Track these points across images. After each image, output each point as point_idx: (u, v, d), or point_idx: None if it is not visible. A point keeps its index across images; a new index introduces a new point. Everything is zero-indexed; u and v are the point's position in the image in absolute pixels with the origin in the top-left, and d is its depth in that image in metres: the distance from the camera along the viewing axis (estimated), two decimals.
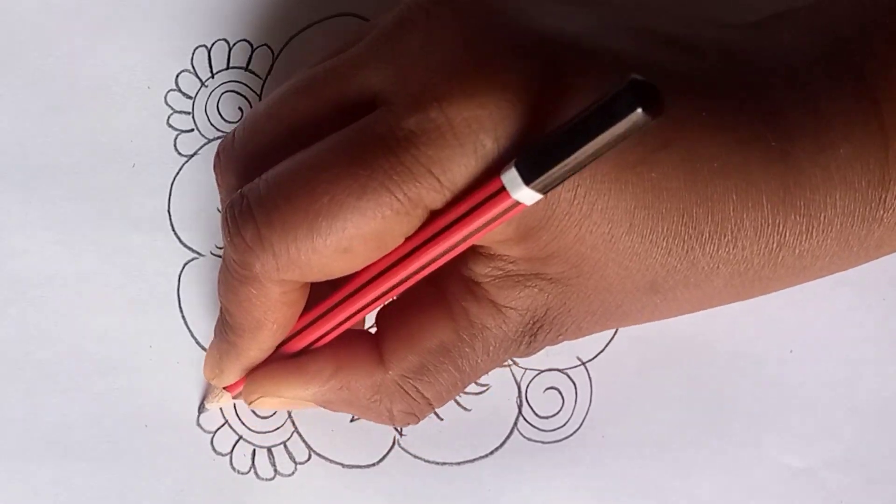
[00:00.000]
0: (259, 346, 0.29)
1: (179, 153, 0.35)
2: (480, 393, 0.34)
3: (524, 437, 0.34)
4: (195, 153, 0.35)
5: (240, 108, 0.35)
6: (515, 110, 0.24)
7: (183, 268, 0.34)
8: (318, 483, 0.33)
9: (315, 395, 0.29)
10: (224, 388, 0.32)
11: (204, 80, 0.35)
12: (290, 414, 0.33)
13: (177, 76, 0.35)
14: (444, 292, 0.29)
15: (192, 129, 0.35)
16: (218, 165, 0.29)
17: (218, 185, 0.30)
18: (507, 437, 0.34)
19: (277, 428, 0.34)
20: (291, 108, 0.28)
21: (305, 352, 0.30)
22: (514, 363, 0.34)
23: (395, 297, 0.29)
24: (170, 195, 0.34)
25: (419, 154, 0.24)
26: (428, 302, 0.29)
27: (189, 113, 0.35)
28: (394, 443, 0.34)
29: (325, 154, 0.25)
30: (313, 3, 0.35)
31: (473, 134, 0.24)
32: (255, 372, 0.30)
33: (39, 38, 0.35)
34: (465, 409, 0.34)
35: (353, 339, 0.30)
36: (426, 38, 0.26)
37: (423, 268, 0.26)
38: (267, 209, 0.25)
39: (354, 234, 0.25)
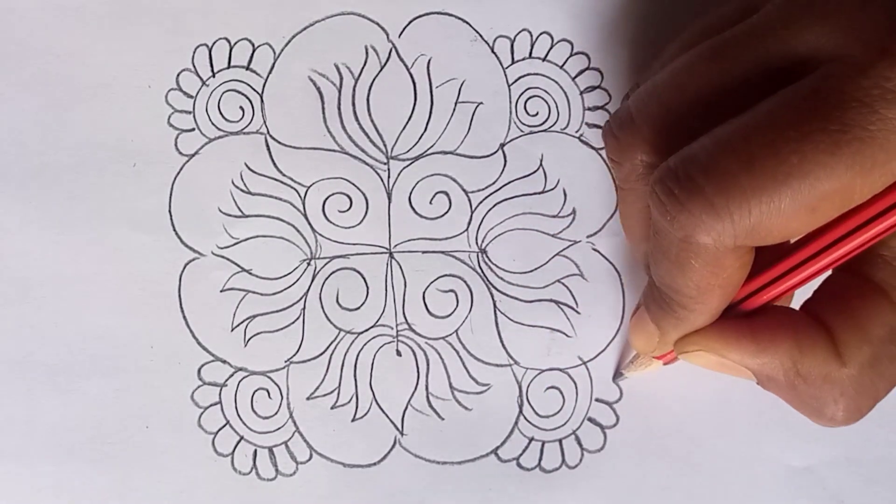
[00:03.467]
0: (709, 313, 0.28)
1: (180, 152, 0.35)
2: (482, 392, 0.34)
3: (525, 436, 0.34)
4: (196, 153, 0.35)
5: (241, 108, 0.35)
6: None
7: (184, 268, 0.34)
8: (319, 483, 0.33)
9: (762, 366, 0.28)
10: (655, 357, 0.31)
11: (205, 79, 0.35)
12: (291, 414, 0.33)
13: (178, 75, 0.35)
14: (869, 279, 0.28)
15: (193, 129, 0.35)
16: (616, 145, 0.29)
17: (614, 163, 0.29)
18: (508, 436, 0.34)
19: (279, 428, 0.34)
20: (703, 77, 0.27)
21: (755, 313, 0.29)
22: (516, 363, 0.34)
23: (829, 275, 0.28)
24: (171, 195, 0.34)
25: None
26: (860, 290, 0.28)
27: (190, 112, 0.35)
28: (395, 442, 0.33)
29: (783, 114, 0.25)
30: (315, 2, 0.35)
31: None
32: (703, 329, 0.29)
33: (39, 38, 0.35)
34: (466, 408, 0.34)
35: (797, 317, 0.29)
36: None
37: (889, 229, 0.26)
38: (719, 176, 0.25)
39: (824, 193, 0.24)
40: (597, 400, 0.34)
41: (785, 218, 0.25)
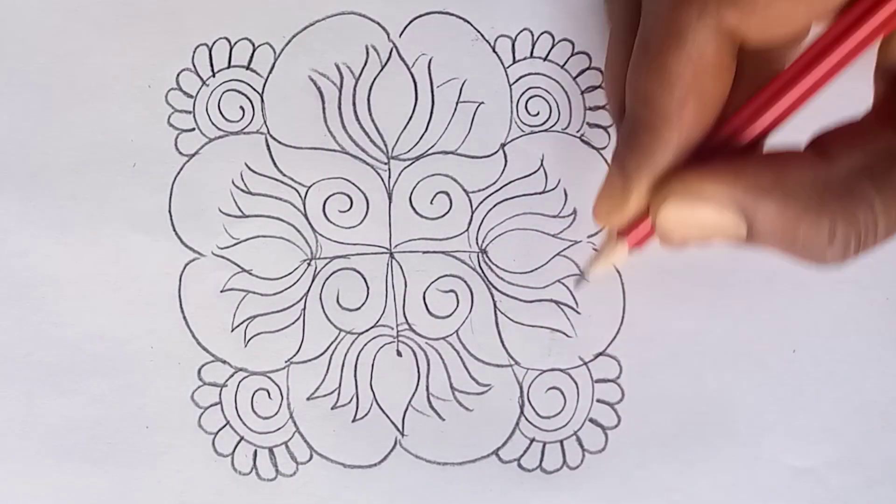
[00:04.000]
0: (678, 138, 0.26)
1: (180, 152, 0.35)
2: (482, 393, 0.34)
3: (526, 436, 0.34)
4: (196, 152, 0.35)
5: (241, 108, 0.35)
6: None
7: (184, 268, 0.34)
8: (319, 483, 0.33)
9: (744, 197, 0.25)
10: (620, 234, 0.28)
11: (205, 78, 0.35)
12: (291, 414, 0.33)
13: (178, 75, 0.35)
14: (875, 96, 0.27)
15: (193, 129, 0.35)
16: None
17: None
18: (509, 436, 0.34)
19: (279, 428, 0.34)
20: None
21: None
22: (516, 363, 0.34)
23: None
24: (171, 195, 0.34)
25: None
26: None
27: (190, 112, 0.35)
28: (395, 443, 0.33)
29: None
30: (315, 2, 0.35)
31: None
32: (678, 171, 0.26)
33: (39, 38, 0.35)
34: (466, 409, 0.34)
35: (779, 150, 0.26)
36: None
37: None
38: None
39: None
40: (598, 400, 0.34)
41: None
